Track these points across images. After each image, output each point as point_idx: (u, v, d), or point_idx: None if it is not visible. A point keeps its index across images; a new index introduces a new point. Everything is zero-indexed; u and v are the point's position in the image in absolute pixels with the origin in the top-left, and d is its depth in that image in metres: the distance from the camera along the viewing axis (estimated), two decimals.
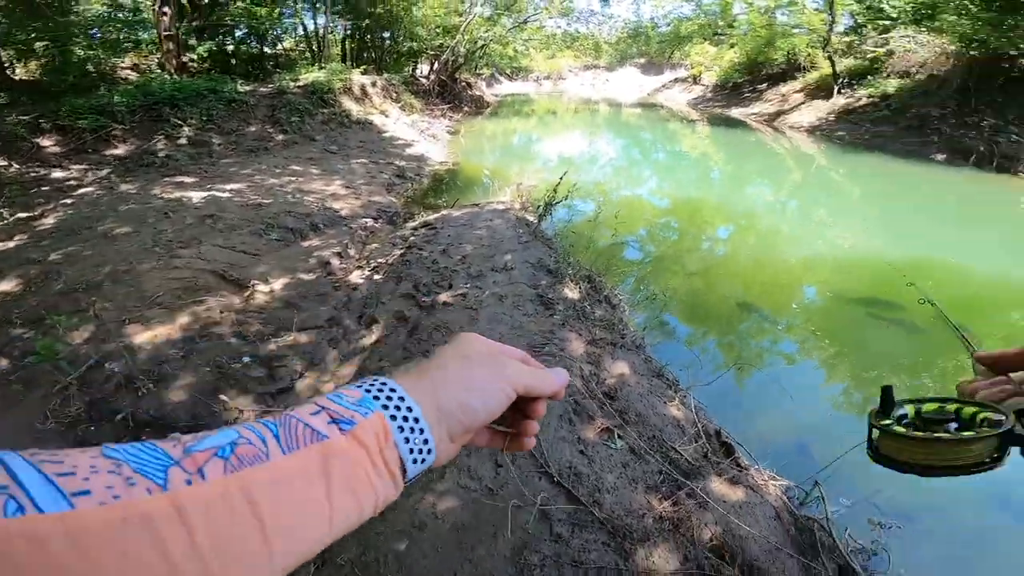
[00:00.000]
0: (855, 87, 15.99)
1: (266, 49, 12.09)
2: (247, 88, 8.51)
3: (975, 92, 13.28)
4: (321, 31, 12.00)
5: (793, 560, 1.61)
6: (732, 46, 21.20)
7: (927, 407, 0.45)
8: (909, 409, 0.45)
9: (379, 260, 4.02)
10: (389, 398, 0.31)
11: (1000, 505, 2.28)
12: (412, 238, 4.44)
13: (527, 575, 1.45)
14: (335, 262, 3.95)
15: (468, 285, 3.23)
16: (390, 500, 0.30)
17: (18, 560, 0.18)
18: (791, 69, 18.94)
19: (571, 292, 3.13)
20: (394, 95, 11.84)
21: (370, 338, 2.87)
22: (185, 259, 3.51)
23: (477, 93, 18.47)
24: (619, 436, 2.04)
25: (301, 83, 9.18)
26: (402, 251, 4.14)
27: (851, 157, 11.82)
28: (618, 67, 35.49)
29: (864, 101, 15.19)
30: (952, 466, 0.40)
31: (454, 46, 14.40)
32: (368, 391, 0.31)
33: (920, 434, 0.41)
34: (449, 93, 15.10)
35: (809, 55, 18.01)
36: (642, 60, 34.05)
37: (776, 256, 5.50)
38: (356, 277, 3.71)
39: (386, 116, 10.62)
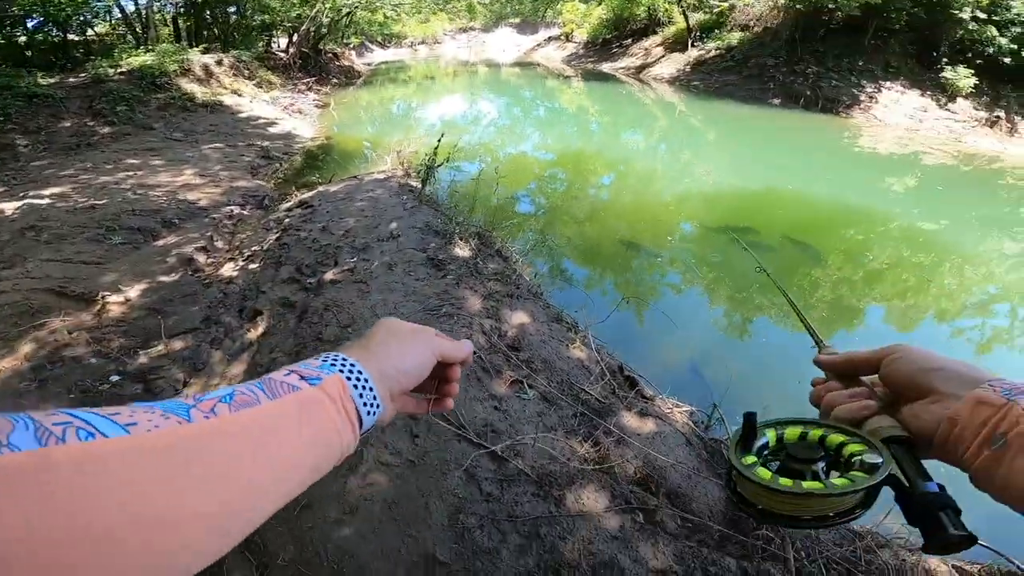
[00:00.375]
0: (705, 40, 17.47)
1: (72, 36, 10.12)
2: (51, 80, 7.38)
3: (801, 42, 15.21)
4: (144, 11, 10.37)
5: (710, 482, 1.73)
6: (600, 3, 21.90)
7: (789, 433, 0.41)
8: (770, 435, 0.42)
9: (253, 248, 3.63)
10: (344, 366, 0.38)
11: None
12: (287, 220, 4.06)
13: (468, 538, 1.45)
14: (200, 258, 3.49)
15: (355, 259, 3.04)
16: (351, 448, 0.37)
17: (99, 473, 0.22)
18: (652, 24, 20.10)
19: (462, 251, 3.09)
20: (247, 73, 10.56)
21: (256, 331, 2.61)
22: (10, 280, 2.89)
23: (346, 64, 17.06)
24: (529, 386, 2.05)
25: (124, 69, 7.98)
26: (277, 235, 3.77)
27: (706, 104, 13.02)
28: (494, 28, 34.97)
29: (713, 53, 16.70)
30: (820, 517, 0.36)
31: (314, 16, 13.04)
32: (325, 361, 0.38)
33: (788, 486, 0.36)
34: (314, 66, 13.78)
35: (667, 10, 19.19)
36: (517, 20, 33.86)
37: (653, 196, 5.95)
38: (229, 270, 3.32)
39: (239, 96, 9.47)
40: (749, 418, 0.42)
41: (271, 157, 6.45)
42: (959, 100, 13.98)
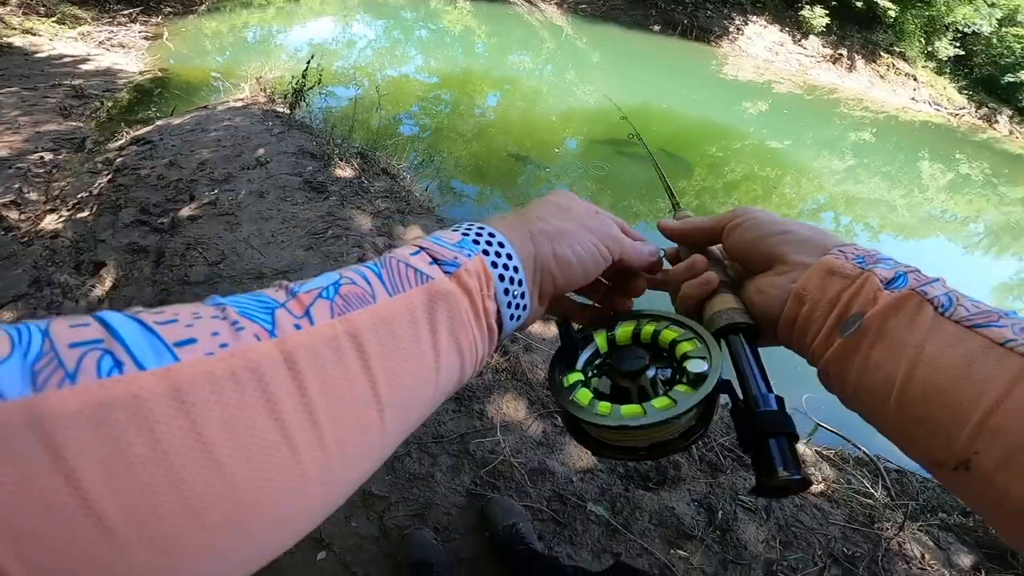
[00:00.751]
0: None
1: None
2: None
3: None
4: None
5: None
6: None
7: (621, 333, 0.34)
8: (599, 340, 0.34)
9: (79, 195, 3.03)
10: (489, 243, 0.28)
11: None
12: (120, 159, 3.42)
13: (399, 467, 1.42)
14: (11, 214, 2.84)
15: (215, 192, 2.67)
16: (484, 360, 0.28)
17: (116, 429, 0.15)
18: None
19: (344, 172, 2.86)
20: (42, 9, 8.28)
21: (103, 286, 2.23)
22: None
23: None
24: None
25: None
26: (110, 176, 3.18)
27: (592, 27, 13.04)
28: None
29: None
30: (657, 444, 0.29)
31: None
32: (466, 234, 0.29)
33: (604, 415, 0.28)
34: None
35: None
36: None
37: (540, 113, 5.97)
38: (52, 223, 2.75)
39: (35, 36, 7.47)
40: (562, 329, 0.33)
41: (86, 96, 5.28)
42: (811, 37, 15.58)
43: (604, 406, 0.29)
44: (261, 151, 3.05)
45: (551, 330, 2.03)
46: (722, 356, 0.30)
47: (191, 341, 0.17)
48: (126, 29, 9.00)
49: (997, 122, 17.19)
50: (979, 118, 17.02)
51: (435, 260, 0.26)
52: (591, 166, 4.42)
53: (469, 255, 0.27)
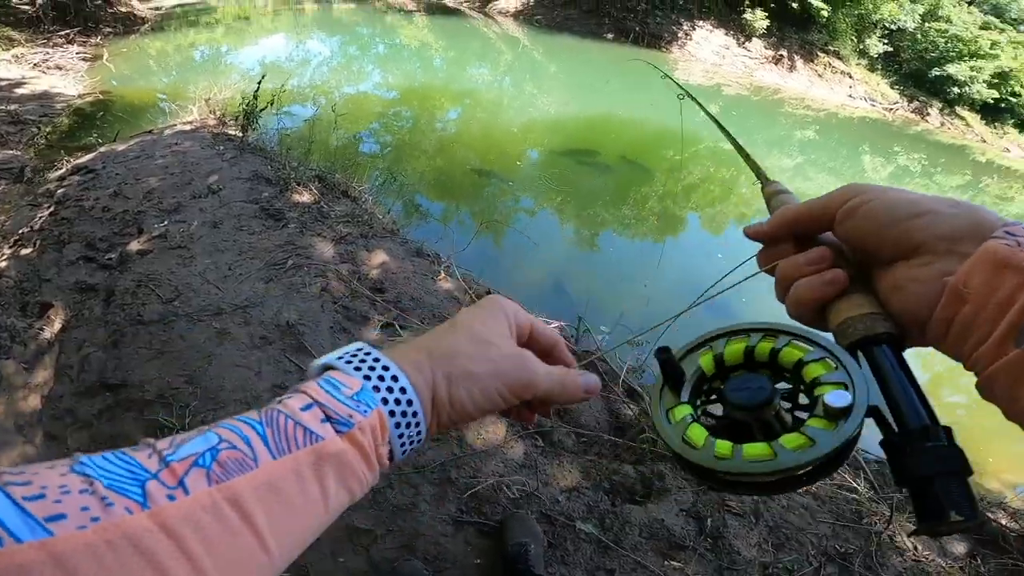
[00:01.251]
0: None
1: None
2: None
3: None
4: None
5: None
6: None
7: (729, 352, 0.29)
8: (703, 362, 0.29)
9: (20, 231, 2.82)
10: (390, 389, 0.27)
11: (713, 310, 2.97)
12: (62, 190, 3.22)
13: (381, 499, 1.38)
14: None
15: (165, 223, 2.53)
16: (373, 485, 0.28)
17: None
18: None
19: (302, 197, 2.76)
20: None
21: (52, 328, 2.08)
22: None
23: (123, 10, 13.43)
24: (401, 327, 1.98)
25: None
26: (51, 209, 2.99)
27: (547, 38, 13.31)
28: None
29: None
30: (786, 481, 0.25)
31: None
32: (368, 378, 0.27)
33: (725, 456, 0.25)
34: (75, 16, 10.66)
35: None
36: None
37: (501, 126, 6.01)
38: None
39: None
40: (663, 358, 0.29)
41: (22, 122, 4.98)
42: (754, 39, 16.37)
43: (723, 446, 0.25)
44: (213, 178, 2.92)
45: None
46: (864, 378, 0.25)
47: (61, 516, 0.18)
48: (63, 51, 8.54)
49: (929, 115, 18.44)
50: (912, 111, 18.23)
51: (328, 418, 0.25)
52: (552, 181, 4.46)
53: (366, 412, 0.26)
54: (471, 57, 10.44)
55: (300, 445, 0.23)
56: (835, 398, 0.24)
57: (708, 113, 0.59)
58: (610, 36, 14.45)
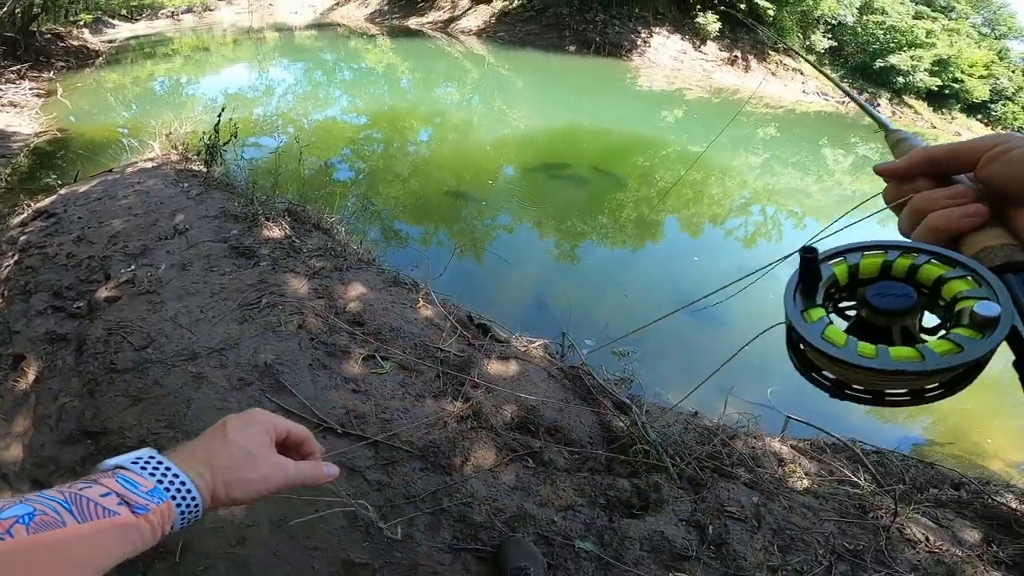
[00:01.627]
0: None
1: None
2: None
3: None
4: None
5: (581, 407, 1.81)
6: None
7: (865, 264, 0.30)
8: (838, 271, 0.30)
9: None
10: (179, 490, 0.37)
11: (694, 315, 2.93)
12: (24, 237, 3.10)
13: (375, 532, 1.35)
14: None
15: (133, 267, 2.45)
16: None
17: None
18: None
19: (272, 232, 2.71)
20: None
21: (26, 380, 2.01)
22: None
23: (76, 44, 13.13)
24: (383, 358, 1.94)
25: None
26: (16, 257, 2.88)
27: (512, 54, 13.49)
28: None
29: (516, 4, 17.23)
30: (916, 392, 0.26)
31: None
32: (160, 482, 0.37)
33: (870, 357, 0.26)
34: (27, 51, 10.38)
35: None
36: None
37: (473, 145, 6.03)
38: None
39: None
40: (808, 256, 0.29)
41: None
42: (708, 43, 16.90)
43: (866, 347, 0.26)
44: (179, 217, 2.85)
45: (509, 369, 1.99)
46: (1008, 296, 0.26)
47: None
48: (15, 87, 8.28)
49: (879, 105, 19.25)
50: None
51: (125, 502, 0.33)
52: (527, 197, 4.48)
53: (159, 502, 0.35)
54: (438, 77, 10.51)
55: (100, 517, 0.31)
56: (984, 308, 0.25)
57: (823, 70, 0.60)
58: (572, 48, 14.74)
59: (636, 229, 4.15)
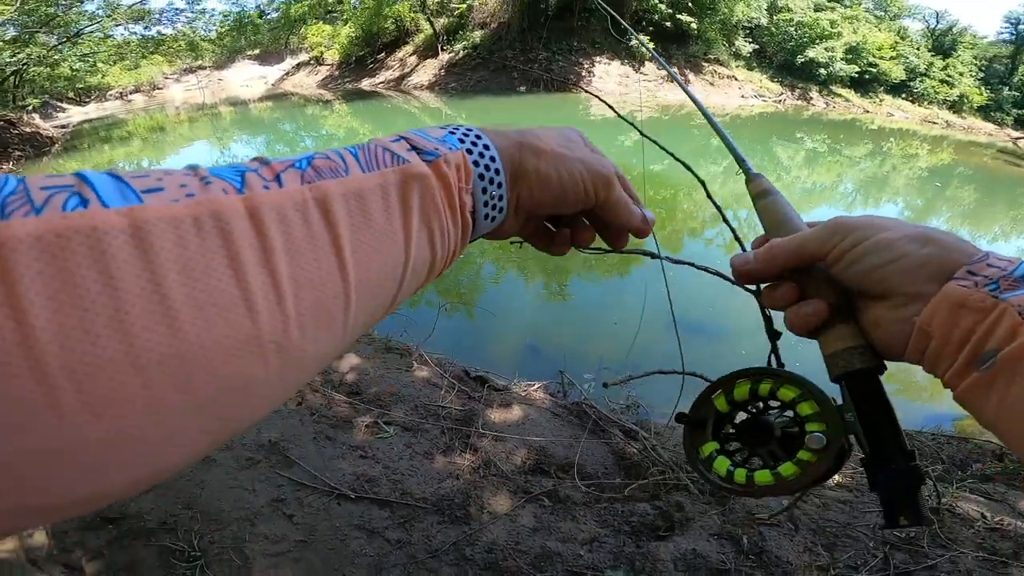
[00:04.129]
0: (452, 43, 18.62)
1: None
2: None
3: (530, 31, 17.43)
4: None
5: (591, 441, 1.82)
6: (346, 22, 21.36)
7: (738, 392, 0.34)
8: (719, 403, 0.35)
9: None
10: (474, 143, 0.28)
11: (687, 331, 2.99)
12: None
13: None
14: None
15: None
16: (455, 255, 0.28)
17: (74, 259, 0.14)
18: (402, 35, 20.53)
19: None
20: None
21: None
22: None
23: (28, 130, 13.16)
24: (386, 423, 1.96)
25: None
26: None
27: (466, 102, 13.99)
28: (229, 64, 30.97)
29: (462, 54, 17.97)
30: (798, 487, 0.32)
31: None
32: (453, 132, 0.28)
33: (741, 484, 0.32)
34: None
35: (412, 19, 19.75)
36: (257, 51, 30.62)
37: None
38: None
39: None
40: (685, 417, 0.36)
41: None
42: (646, 64, 17.84)
43: (740, 473, 0.33)
44: None
45: (513, 415, 2.01)
46: (839, 414, 0.31)
47: (158, 189, 0.17)
48: None
49: (812, 99, 20.40)
50: (797, 99, 20.12)
51: (414, 147, 0.26)
52: (504, 244, 4.56)
53: (451, 148, 0.27)
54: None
55: (388, 165, 0.24)
56: (814, 441, 0.31)
57: (703, 111, 0.55)
58: (523, 89, 15.35)
59: (617, 257, 4.22)
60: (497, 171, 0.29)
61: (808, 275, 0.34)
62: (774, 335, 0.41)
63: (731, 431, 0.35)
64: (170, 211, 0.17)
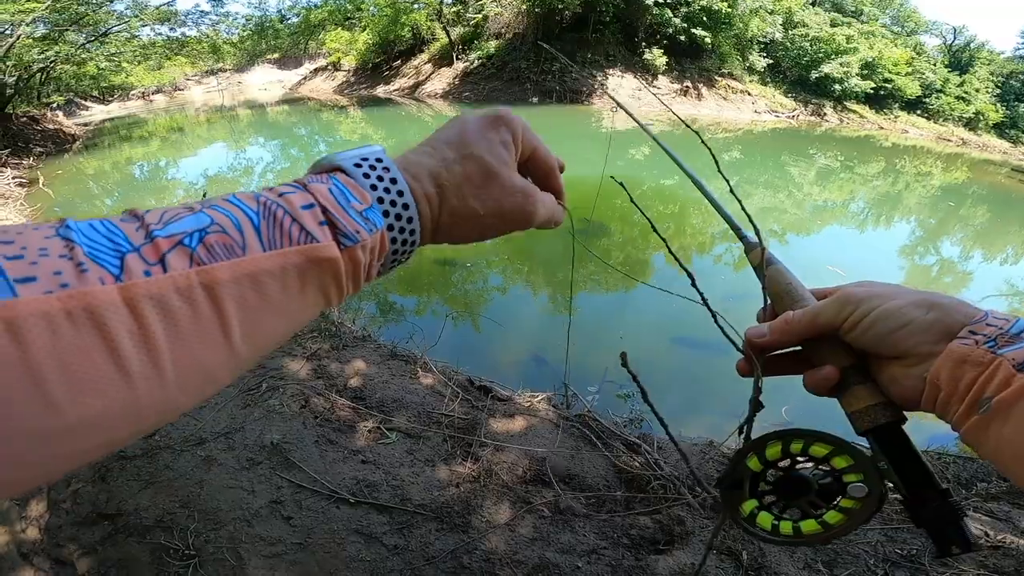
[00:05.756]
0: (468, 52, 18.82)
1: None
2: None
3: (543, 42, 17.58)
4: None
5: (593, 453, 1.82)
6: (364, 28, 21.71)
7: (770, 452, 0.36)
8: (752, 464, 0.37)
9: None
10: (399, 215, 0.27)
11: (693, 347, 3.00)
12: None
13: None
14: None
15: None
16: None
17: None
18: (418, 43, 20.81)
19: None
20: None
21: None
22: None
23: (51, 127, 13.49)
24: (389, 429, 1.96)
25: None
26: None
27: (479, 112, 14.11)
28: (249, 67, 31.62)
29: (476, 63, 18.15)
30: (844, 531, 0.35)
31: None
32: (381, 200, 0.27)
33: (788, 535, 0.35)
34: (3, 136, 10.58)
35: (429, 28, 20.00)
36: (276, 55, 31.27)
37: None
38: None
39: None
40: (723, 481, 0.38)
41: None
42: (660, 77, 17.86)
43: (786, 525, 0.35)
44: None
45: (516, 425, 2.01)
46: (873, 463, 0.34)
47: (31, 279, 0.17)
48: None
49: (825, 114, 20.28)
50: (811, 115, 19.99)
51: (330, 221, 0.24)
52: (513, 254, 4.56)
53: (371, 230, 0.26)
54: (412, 142, 10.86)
55: (292, 242, 0.22)
56: (855, 490, 0.34)
57: (678, 162, 0.54)
58: (535, 100, 15.44)
59: (624, 270, 4.23)
60: (414, 242, 0.29)
61: (825, 344, 0.36)
62: (756, 407, 0.43)
63: (767, 487, 0.37)
64: (42, 306, 0.17)
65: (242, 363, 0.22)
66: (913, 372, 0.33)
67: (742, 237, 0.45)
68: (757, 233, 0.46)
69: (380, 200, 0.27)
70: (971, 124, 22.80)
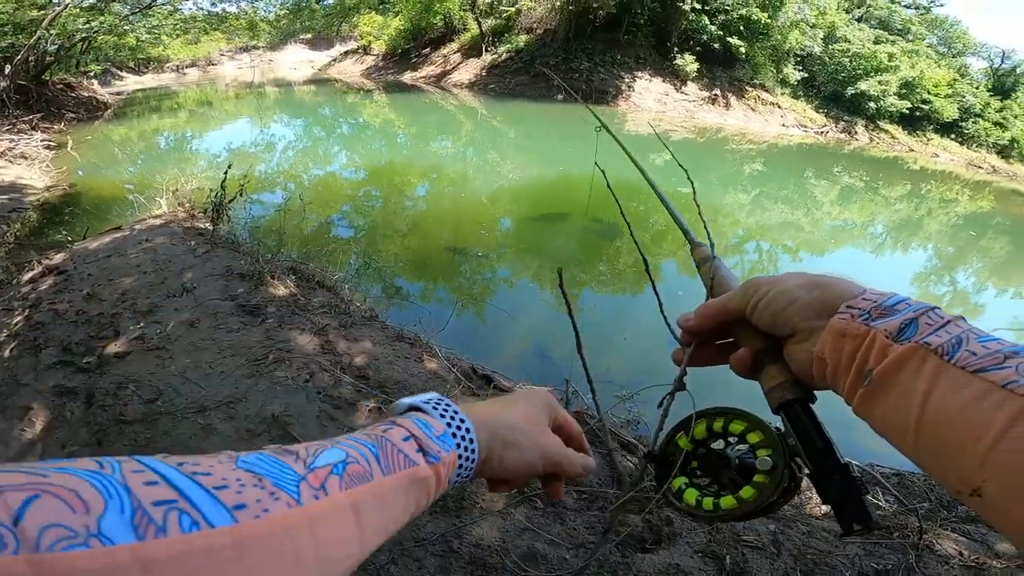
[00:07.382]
0: (497, 45, 18.78)
1: None
2: None
3: (574, 41, 17.45)
4: None
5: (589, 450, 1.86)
6: (397, 14, 21.75)
7: (697, 431, 0.40)
8: (682, 443, 0.40)
9: None
10: (464, 438, 0.36)
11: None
12: (34, 294, 3.17)
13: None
14: None
15: (141, 324, 2.51)
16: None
17: (197, 572, 0.20)
18: (449, 32, 20.79)
19: (278, 290, 2.78)
20: None
21: (33, 430, 2.04)
22: None
23: (85, 95, 13.75)
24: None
25: None
26: (25, 313, 2.94)
27: (503, 105, 14.03)
28: (282, 46, 31.90)
29: (505, 56, 18.10)
30: (763, 508, 0.36)
31: (34, 44, 10.23)
32: (449, 426, 0.35)
33: (708, 510, 0.37)
34: (38, 100, 10.85)
35: (461, 17, 19.96)
36: (309, 36, 31.47)
37: (469, 198, 6.20)
38: None
39: None
40: (649, 460, 0.42)
41: None
42: (689, 83, 17.64)
43: (707, 501, 0.37)
44: (187, 275, 2.93)
45: None
46: (788, 434, 0.36)
47: (243, 506, 0.22)
48: (27, 137, 8.48)
49: (856, 133, 19.83)
50: (841, 132, 19.55)
51: (421, 448, 0.33)
52: (525, 248, 4.56)
53: (448, 450, 0.34)
54: (433, 131, 10.83)
55: (401, 467, 0.31)
56: (763, 463, 0.36)
57: (635, 162, 0.65)
58: (560, 97, 15.37)
59: (634, 274, 4.22)
60: (473, 461, 0.36)
61: (740, 328, 0.40)
62: (680, 385, 0.46)
63: (695, 465, 0.40)
64: (256, 529, 0.22)
65: (370, 549, 0.29)
66: (803, 348, 0.35)
67: (689, 239, 0.50)
68: (709, 236, 0.51)
69: (449, 425, 0.35)
70: (1004, 152, 22.14)
